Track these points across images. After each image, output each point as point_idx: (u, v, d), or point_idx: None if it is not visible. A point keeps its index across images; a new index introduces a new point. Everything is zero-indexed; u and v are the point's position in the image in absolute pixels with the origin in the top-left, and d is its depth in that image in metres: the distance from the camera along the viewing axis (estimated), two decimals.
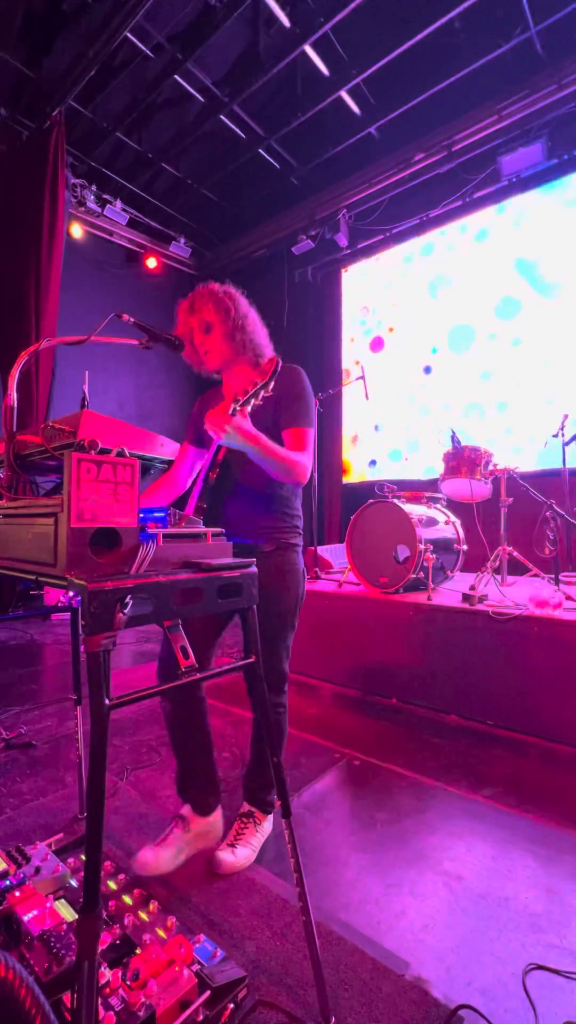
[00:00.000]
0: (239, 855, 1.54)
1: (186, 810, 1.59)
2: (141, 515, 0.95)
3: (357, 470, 6.23)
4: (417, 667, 2.82)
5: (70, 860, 1.40)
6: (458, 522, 3.48)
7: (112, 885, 1.33)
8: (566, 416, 3.63)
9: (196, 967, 1.09)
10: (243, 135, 5.31)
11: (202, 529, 1.07)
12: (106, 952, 1.10)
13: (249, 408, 1.25)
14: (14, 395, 1.20)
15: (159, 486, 1.69)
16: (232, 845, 1.56)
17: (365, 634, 3.06)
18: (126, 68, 4.54)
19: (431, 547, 3.00)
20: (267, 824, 1.67)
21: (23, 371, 1.19)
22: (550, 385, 4.69)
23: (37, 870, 1.32)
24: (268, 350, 1.64)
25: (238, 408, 1.23)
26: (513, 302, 4.96)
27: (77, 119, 5.03)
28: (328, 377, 6.45)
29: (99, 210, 5.86)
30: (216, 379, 1.75)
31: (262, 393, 1.22)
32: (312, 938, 1.10)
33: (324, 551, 4.20)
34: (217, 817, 1.62)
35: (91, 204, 5.77)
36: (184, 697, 1.59)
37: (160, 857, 1.47)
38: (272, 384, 1.23)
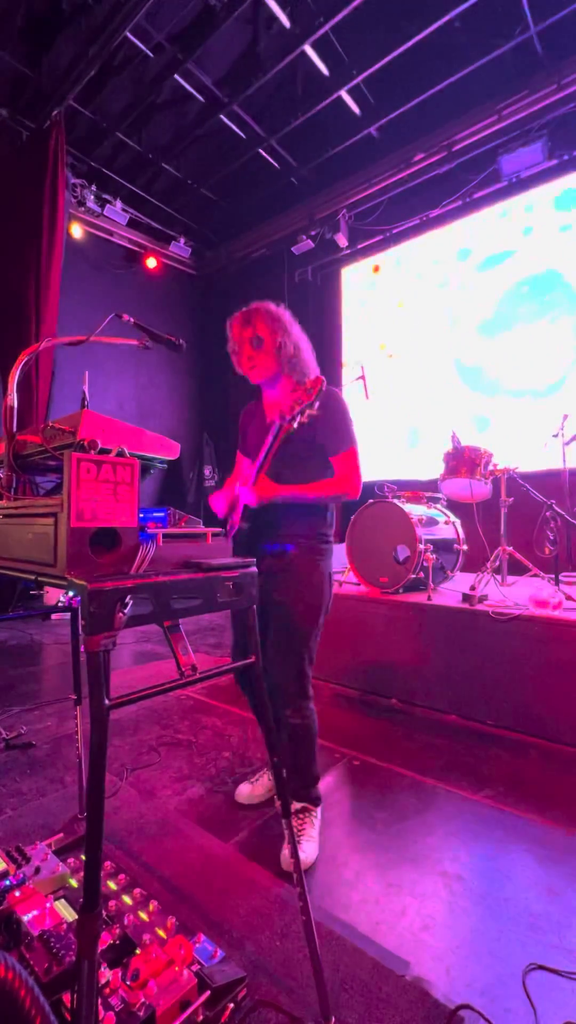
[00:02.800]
0: (307, 850, 1.58)
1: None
2: (141, 515, 0.95)
3: None
4: (417, 667, 2.82)
5: (70, 860, 1.40)
6: (458, 522, 3.47)
7: (112, 885, 1.33)
8: (566, 416, 3.63)
9: (196, 967, 1.09)
10: (243, 135, 5.31)
11: (202, 529, 1.07)
12: (106, 952, 1.10)
13: (295, 425, 1.39)
14: (14, 395, 1.20)
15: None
16: (297, 843, 1.58)
17: (365, 634, 3.06)
18: (126, 68, 4.54)
19: (431, 547, 3.00)
20: (318, 813, 1.73)
21: (23, 371, 1.19)
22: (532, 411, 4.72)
23: (37, 870, 1.32)
24: (313, 372, 1.74)
25: (280, 432, 1.41)
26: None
27: (77, 119, 5.03)
28: (328, 377, 6.39)
29: (99, 210, 5.86)
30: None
31: (308, 412, 1.34)
32: (312, 938, 1.09)
33: None
34: None
35: (91, 204, 5.77)
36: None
37: (253, 791, 1.89)
38: (317, 404, 1.34)
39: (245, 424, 1.91)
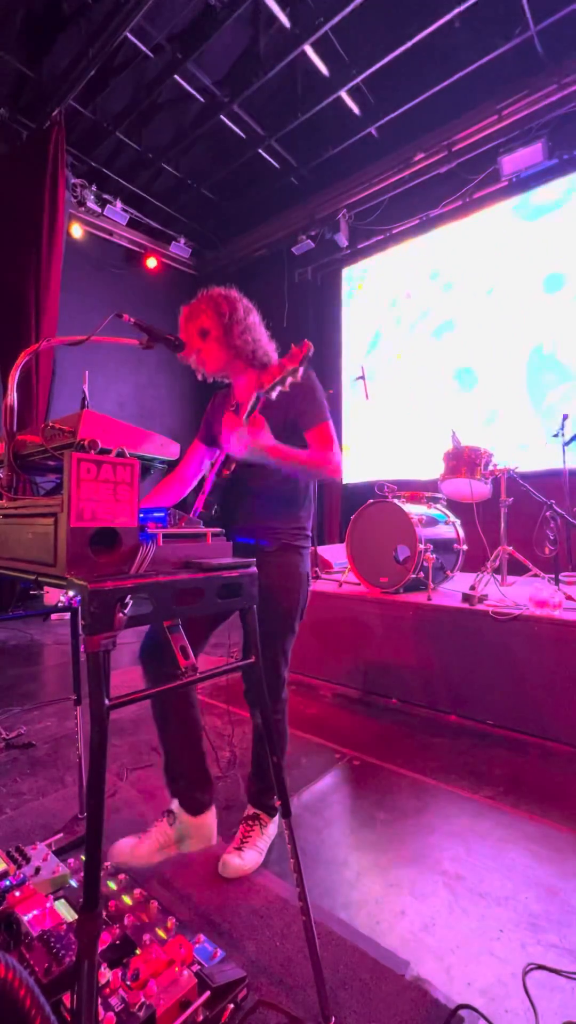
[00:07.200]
0: (246, 858, 1.53)
1: (175, 805, 1.58)
2: (141, 515, 0.95)
3: (357, 470, 6.23)
4: (417, 667, 2.82)
5: (70, 860, 1.40)
6: (458, 522, 3.47)
7: (112, 885, 1.33)
8: (566, 416, 3.63)
9: (196, 967, 1.09)
10: (243, 135, 5.31)
11: (202, 529, 1.07)
12: (106, 952, 1.10)
13: (275, 395, 1.30)
14: (14, 395, 1.20)
15: (168, 483, 1.73)
16: (239, 848, 1.55)
17: (365, 634, 3.06)
18: (126, 68, 4.54)
19: (431, 547, 3.00)
20: (272, 827, 1.66)
21: (23, 371, 1.19)
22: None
23: (37, 870, 1.32)
24: (271, 352, 1.66)
25: (262, 397, 1.31)
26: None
27: (77, 119, 5.03)
28: (328, 378, 6.45)
29: (99, 210, 5.86)
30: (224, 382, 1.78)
31: (289, 380, 1.27)
32: (312, 938, 1.10)
33: (324, 551, 4.20)
34: (208, 819, 1.57)
35: (91, 204, 5.77)
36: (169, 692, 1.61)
37: (136, 849, 1.48)
38: (301, 371, 1.27)
39: (210, 413, 1.79)
